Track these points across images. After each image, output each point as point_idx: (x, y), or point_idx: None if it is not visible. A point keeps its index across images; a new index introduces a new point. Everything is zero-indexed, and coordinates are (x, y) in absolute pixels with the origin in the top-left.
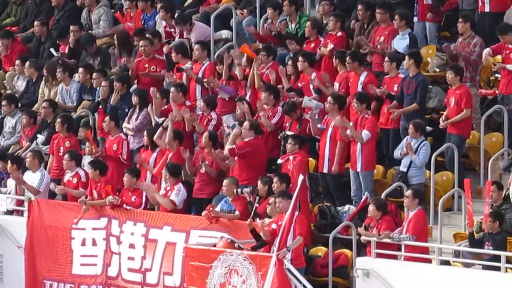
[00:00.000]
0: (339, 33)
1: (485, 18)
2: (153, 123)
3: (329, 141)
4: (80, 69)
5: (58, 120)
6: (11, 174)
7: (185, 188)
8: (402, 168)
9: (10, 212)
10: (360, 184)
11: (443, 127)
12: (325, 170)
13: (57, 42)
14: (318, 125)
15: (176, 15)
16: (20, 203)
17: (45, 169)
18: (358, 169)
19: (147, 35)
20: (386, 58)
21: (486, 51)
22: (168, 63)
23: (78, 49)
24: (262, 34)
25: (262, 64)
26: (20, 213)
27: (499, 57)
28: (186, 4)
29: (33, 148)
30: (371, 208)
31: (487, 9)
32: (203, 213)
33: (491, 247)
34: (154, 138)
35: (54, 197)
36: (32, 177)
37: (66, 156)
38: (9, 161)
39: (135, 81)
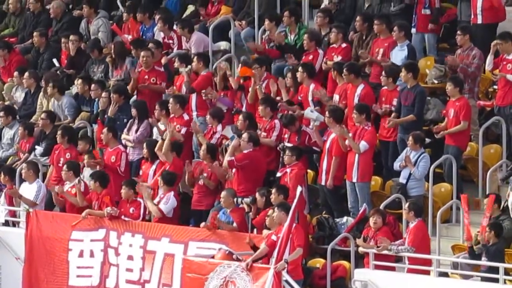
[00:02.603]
0: (344, 44)
1: (478, 30)
2: (154, 135)
3: (327, 154)
4: (79, 80)
5: (59, 132)
6: (7, 187)
7: (176, 198)
8: (401, 180)
9: (7, 223)
10: (357, 196)
11: (440, 137)
12: (323, 182)
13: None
14: (324, 138)
15: (178, 20)
16: (12, 213)
17: (44, 180)
18: (354, 180)
19: (149, 46)
20: (383, 73)
21: (489, 59)
22: (168, 74)
23: (78, 60)
24: (260, 50)
25: (260, 77)
26: (13, 223)
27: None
28: (184, 15)
29: (29, 159)
30: (378, 220)
31: (479, 21)
32: (202, 224)
33: (486, 259)
34: (156, 149)
35: (52, 208)
36: (28, 189)
37: (64, 167)
38: (1, 173)
39: (135, 92)
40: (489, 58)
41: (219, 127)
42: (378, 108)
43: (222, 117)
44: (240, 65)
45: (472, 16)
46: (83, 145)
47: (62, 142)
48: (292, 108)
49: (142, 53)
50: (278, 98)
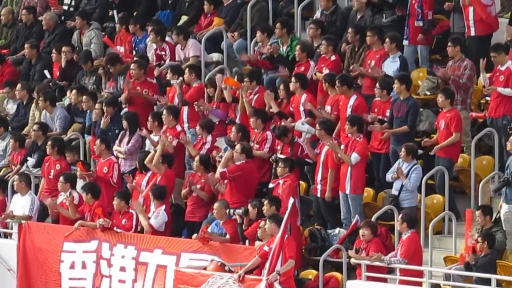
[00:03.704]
0: (333, 57)
1: (472, 42)
2: (147, 146)
3: (321, 167)
4: (73, 91)
5: (49, 143)
6: None
7: (168, 212)
8: (394, 191)
9: None
10: (350, 207)
11: (434, 152)
12: (319, 194)
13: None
14: (316, 150)
15: (174, 27)
16: (4, 225)
17: (37, 192)
18: (347, 192)
19: (135, 58)
20: (377, 85)
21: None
22: (159, 85)
23: (70, 71)
24: (253, 61)
25: (249, 90)
26: (5, 235)
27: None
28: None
29: (21, 171)
30: (366, 232)
31: (472, 33)
32: (194, 235)
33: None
34: (146, 161)
35: (44, 219)
36: (21, 201)
37: (61, 178)
38: None
39: (128, 103)
40: (482, 76)
41: (209, 138)
42: (367, 116)
43: (211, 128)
44: (224, 75)
45: (466, 29)
46: (71, 156)
47: (51, 153)
48: (288, 121)
49: (131, 66)
50: (271, 110)
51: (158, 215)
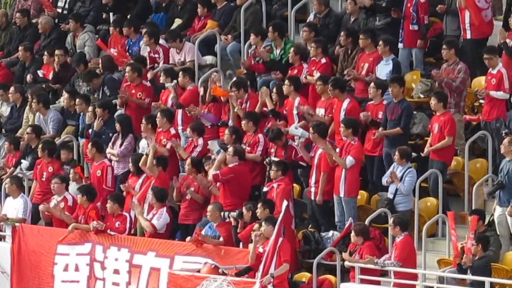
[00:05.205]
0: (323, 60)
1: (467, 45)
2: (140, 149)
3: (315, 170)
4: (65, 94)
5: (40, 146)
6: None
7: (169, 214)
8: (389, 195)
9: None
10: (344, 210)
11: (426, 154)
12: (313, 197)
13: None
14: (311, 154)
15: (166, 33)
16: None
17: (29, 194)
18: (341, 195)
19: (131, 61)
20: (372, 84)
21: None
22: (154, 88)
23: (64, 74)
24: (252, 65)
25: (239, 99)
26: None
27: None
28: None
29: (15, 174)
30: (351, 234)
31: (468, 35)
32: (188, 238)
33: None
34: (140, 164)
35: (37, 222)
36: (13, 204)
37: (56, 179)
38: None
39: (124, 107)
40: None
41: (200, 141)
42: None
43: (202, 131)
44: (211, 85)
45: (462, 31)
46: (66, 155)
47: (43, 156)
48: (280, 124)
49: (126, 69)
50: (264, 109)
51: (161, 216)
